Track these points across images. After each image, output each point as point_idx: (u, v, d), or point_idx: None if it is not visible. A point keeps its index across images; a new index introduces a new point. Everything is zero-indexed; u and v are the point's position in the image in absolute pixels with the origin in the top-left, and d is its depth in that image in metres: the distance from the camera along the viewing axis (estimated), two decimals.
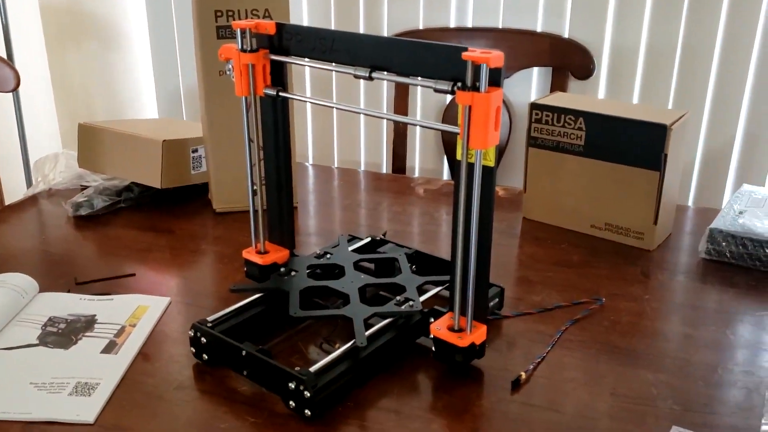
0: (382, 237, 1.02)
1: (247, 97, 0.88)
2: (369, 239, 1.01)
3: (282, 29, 0.84)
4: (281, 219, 0.95)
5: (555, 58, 1.65)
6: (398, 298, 0.83)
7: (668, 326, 0.89)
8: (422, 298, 0.86)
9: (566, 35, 1.67)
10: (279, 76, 0.88)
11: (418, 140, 1.88)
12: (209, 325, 0.80)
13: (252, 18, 1.11)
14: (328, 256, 0.93)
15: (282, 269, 0.90)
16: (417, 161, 1.91)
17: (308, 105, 1.97)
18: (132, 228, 1.16)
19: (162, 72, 2.04)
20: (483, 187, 0.73)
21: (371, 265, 0.97)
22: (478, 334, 0.76)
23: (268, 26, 0.85)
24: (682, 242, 1.12)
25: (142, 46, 2.07)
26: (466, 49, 0.69)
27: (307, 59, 0.84)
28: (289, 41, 0.84)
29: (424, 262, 0.96)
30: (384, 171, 1.93)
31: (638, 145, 1.05)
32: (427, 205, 1.26)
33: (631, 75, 1.64)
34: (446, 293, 0.84)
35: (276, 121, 0.90)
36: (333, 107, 0.79)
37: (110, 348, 0.83)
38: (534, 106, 1.13)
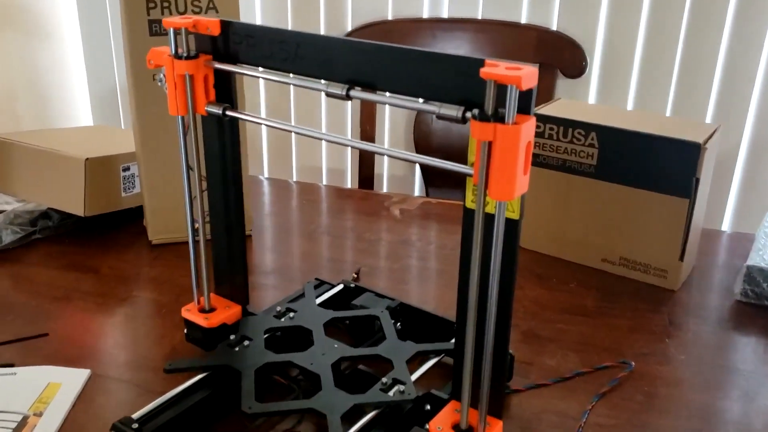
0: (356, 283, 0.82)
1: (184, 117, 0.67)
2: (341, 286, 0.82)
3: (229, 29, 0.64)
4: (231, 267, 0.75)
5: (542, 53, 1.47)
6: (384, 380, 0.64)
7: (720, 398, 0.72)
8: (415, 375, 0.67)
9: (554, 28, 1.49)
10: (225, 88, 0.68)
11: (387, 141, 1.69)
12: (135, 426, 0.60)
13: (192, 13, 0.90)
14: (291, 315, 0.74)
15: (232, 337, 0.70)
16: (385, 167, 1.72)
17: (261, 101, 1.76)
18: (48, 266, 0.94)
19: (95, 70, 1.80)
20: (506, 245, 0.54)
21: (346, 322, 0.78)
22: None
23: (211, 25, 0.64)
24: (710, 278, 0.95)
25: (72, 38, 1.82)
26: (482, 63, 0.50)
27: (261, 69, 0.64)
28: (238, 45, 0.64)
29: (410, 318, 0.77)
30: (349, 177, 1.73)
31: (665, 166, 0.87)
32: (404, 230, 1.07)
33: (626, 74, 1.47)
34: (446, 360, 0.66)
35: (223, 144, 0.70)
36: (294, 132, 0.59)
37: None
38: (535, 117, 0.95)
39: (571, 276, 0.95)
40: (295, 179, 1.74)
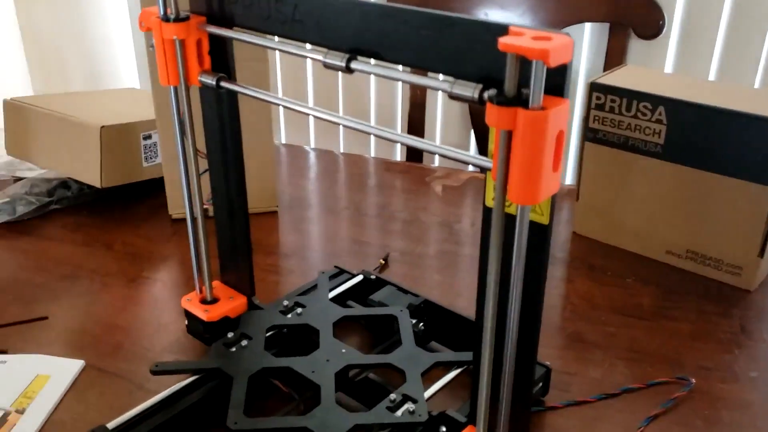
0: (377, 274, 0.73)
1: (176, 87, 0.59)
2: (360, 277, 0.73)
3: None
4: (235, 253, 0.67)
5: (613, 11, 1.32)
6: (393, 396, 0.55)
7: None
8: (433, 389, 0.58)
9: None
10: (222, 56, 0.59)
11: (440, 110, 1.58)
12: None
13: None
14: (299, 311, 0.66)
15: (230, 334, 0.63)
16: (438, 135, 1.61)
17: (277, 66, 1.66)
18: (61, 240, 0.89)
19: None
20: (531, 253, 0.44)
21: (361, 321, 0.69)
22: None
23: None
24: None
25: None
26: (505, 30, 0.40)
27: (256, 34, 0.55)
28: (233, 5, 0.55)
29: (436, 318, 0.68)
30: (398, 147, 1.63)
31: (744, 148, 0.74)
32: (444, 209, 0.98)
33: (709, 36, 1.31)
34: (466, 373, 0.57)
35: (221, 118, 0.62)
36: (306, 112, 0.50)
37: None
38: (594, 87, 0.83)
39: (629, 269, 0.83)
40: (341, 150, 1.66)
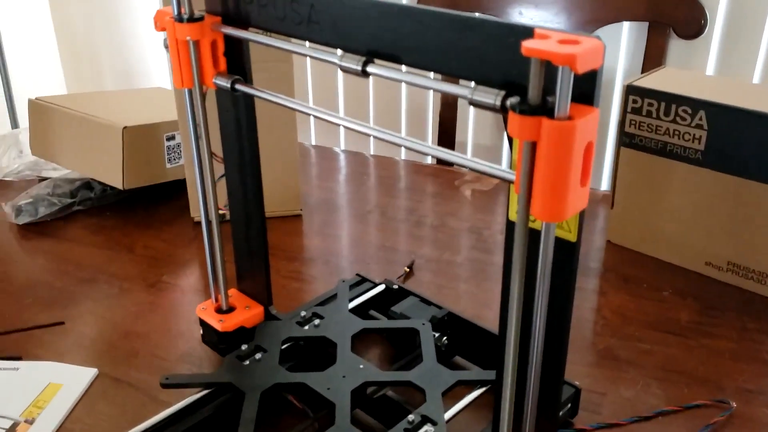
0: (399, 284, 0.71)
1: (190, 90, 0.57)
2: (382, 287, 0.71)
3: None
4: (252, 261, 0.65)
5: (653, 9, 1.27)
6: (411, 417, 0.53)
7: None
8: (455, 409, 0.55)
9: None
10: (237, 57, 0.57)
11: (472, 108, 1.55)
12: None
13: None
14: (317, 323, 0.63)
15: (244, 347, 0.61)
16: (470, 134, 1.57)
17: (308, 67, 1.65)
18: (82, 242, 0.88)
19: None
20: (557, 271, 0.41)
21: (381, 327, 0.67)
22: None
23: None
24: None
25: None
26: (530, 33, 0.37)
27: (272, 35, 0.52)
28: (249, 4, 0.53)
29: (460, 332, 0.65)
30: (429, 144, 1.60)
31: None
32: (473, 215, 0.94)
33: (754, 36, 1.26)
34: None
35: (238, 121, 0.60)
36: (325, 119, 0.48)
37: None
38: (631, 90, 0.79)
39: (666, 281, 0.79)
40: (372, 151, 1.63)
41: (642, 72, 1.30)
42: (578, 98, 0.36)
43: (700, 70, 1.30)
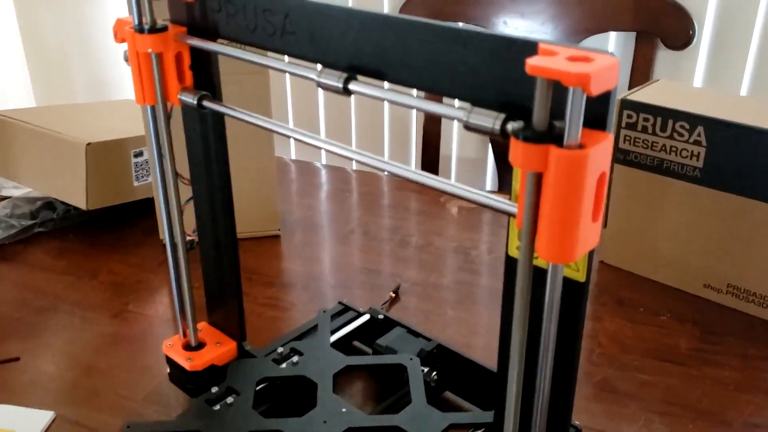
0: (386, 314, 0.66)
1: (153, 107, 0.52)
2: (366, 317, 0.66)
3: None
4: (223, 292, 0.60)
5: (641, 19, 1.24)
6: None
7: None
8: None
9: None
10: (205, 71, 0.52)
11: (456, 123, 1.50)
12: None
13: None
14: (295, 360, 0.58)
15: (214, 389, 0.55)
16: (455, 147, 1.53)
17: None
18: (43, 268, 0.82)
19: None
20: (563, 313, 0.37)
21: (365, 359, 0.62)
22: None
23: None
24: None
25: None
26: (533, 48, 0.33)
27: (243, 48, 0.47)
28: (216, 13, 0.48)
29: (451, 366, 0.61)
30: (413, 158, 1.56)
31: None
32: (461, 233, 0.90)
33: (744, 47, 1.23)
34: None
35: (206, 142, 0.55)
36: (309, 143, 0.43)
37: None
38: (625, 104, 0.75)
39: (663, 304, 0.75)
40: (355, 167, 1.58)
41: (630, 83, 1.27)
42: (590, 123, 0.32)
43: (687, 81, 1.27)
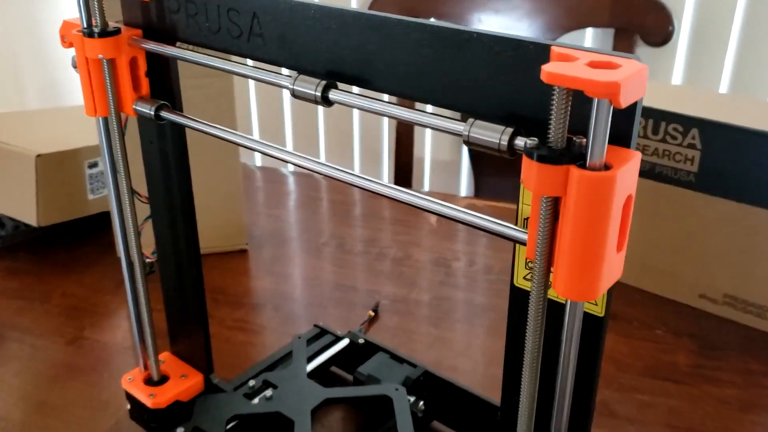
0: (365, 338, 0.61)
1: (105, 119, 0.46)
2: (346, 341, 0.61)
3: None
4: (186, 319, 0.55)
5: (618, 15, 1.20)
6: None
7: None
8: None
9: None
10: (163, 79, 0.46)
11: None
12: None
13: None
14: (269, 394, 0.53)
15: (180, 430, 0.50)
16: (428, 146, 1.48)
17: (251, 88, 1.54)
18: None
19: None
20: (583, 351, 0.32)
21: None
22: None
23: None
24: None
25: None
26: (544, 52, 0.28)
27: (205, 54, 0.42)
28: (174, 14, 0.43)
29: (439, 393, 0.56)
30: (385, 160, 1.51)
31: None
32: (441, 243, 0.85)
33: (722, 43, 1.20)
34: None
35: (164, 154, 0.49)
36: (279, 157, 0.37)
37: None
38: None
39: (658, 317, 0.71)
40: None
41: None
42: (614, 139, 0.27)
43: (667, 77, 1.24)
